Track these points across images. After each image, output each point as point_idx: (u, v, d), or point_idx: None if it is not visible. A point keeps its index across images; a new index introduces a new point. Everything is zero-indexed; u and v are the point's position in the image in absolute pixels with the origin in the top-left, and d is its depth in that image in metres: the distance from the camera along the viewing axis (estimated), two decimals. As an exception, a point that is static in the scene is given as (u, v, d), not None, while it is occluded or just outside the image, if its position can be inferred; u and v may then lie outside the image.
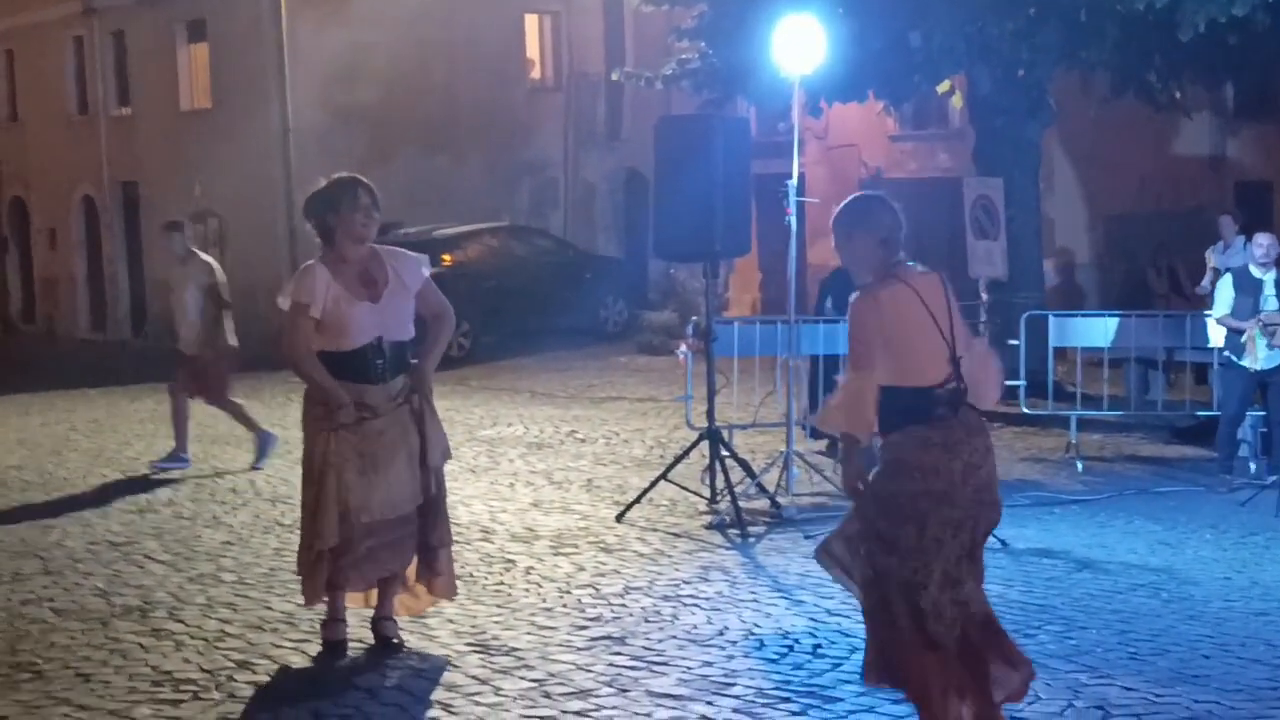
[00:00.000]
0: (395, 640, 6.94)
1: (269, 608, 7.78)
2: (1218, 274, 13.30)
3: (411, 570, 7.00)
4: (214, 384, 12.59)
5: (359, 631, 7.01)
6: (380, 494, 6.68)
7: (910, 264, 5.53)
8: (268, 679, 6.56)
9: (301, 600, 7.56)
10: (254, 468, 12.46)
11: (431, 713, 6.05)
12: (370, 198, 6.74)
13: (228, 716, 6.05)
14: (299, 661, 6.82)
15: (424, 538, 6.90)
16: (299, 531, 6.97)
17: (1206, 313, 12.30)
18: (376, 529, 6.70)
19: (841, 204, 5.65)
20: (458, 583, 7.87)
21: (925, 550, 5.31)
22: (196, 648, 7.06)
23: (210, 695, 6.31)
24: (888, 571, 5.36)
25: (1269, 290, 11.31)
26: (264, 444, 12.64)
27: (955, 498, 5.31)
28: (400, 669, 6.66)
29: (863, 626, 7.10)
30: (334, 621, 6.93)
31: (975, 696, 5.34)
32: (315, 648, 6.98)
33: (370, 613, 7.06)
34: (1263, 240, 11.39)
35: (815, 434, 12.98)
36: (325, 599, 6.92)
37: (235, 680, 6.52)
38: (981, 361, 5.57)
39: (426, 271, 6.95)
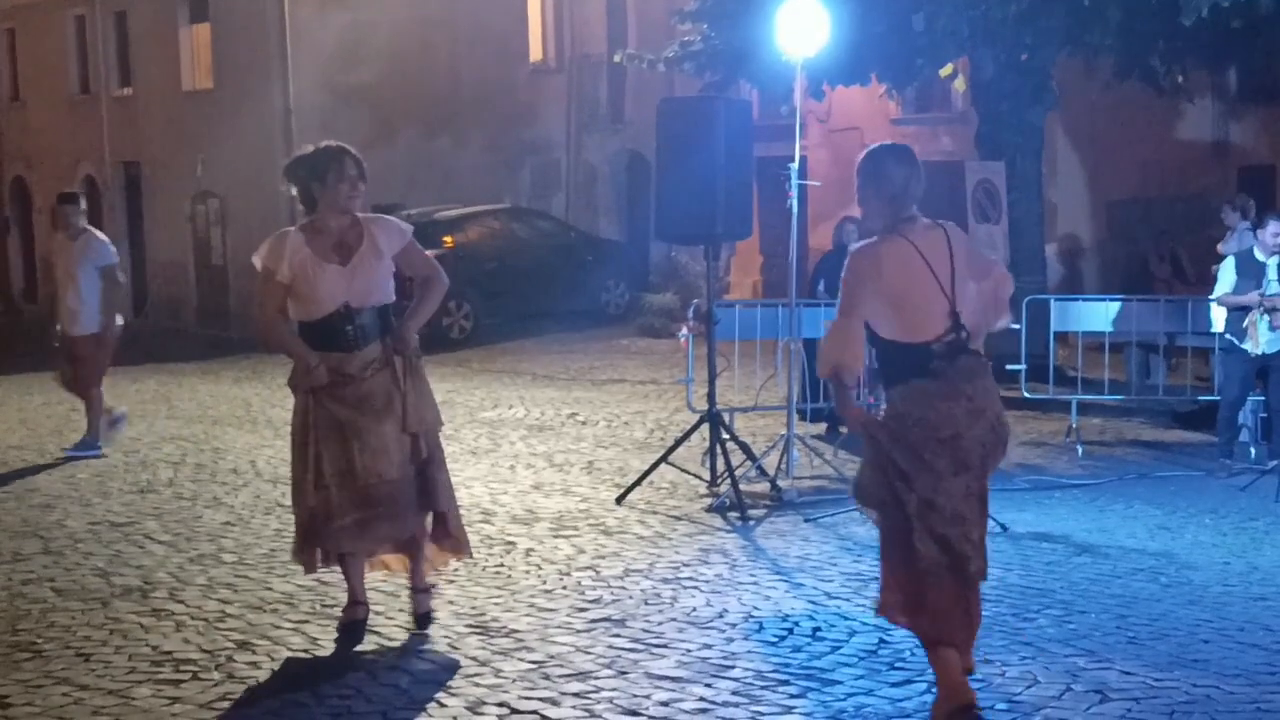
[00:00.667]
0: (427, 614, 6.95)
1: (269, 588, 7.79)
2: None
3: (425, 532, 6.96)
4: (90, 370, 12.23)
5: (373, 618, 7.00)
6: (363, 461, 6.57)
7: (918, 219, 5.67)
8: (268, 659, 6.56)
9: (302, 580, 7.59)
10: (64, 450, 12.38)
11: (431, 694, 6.05)
12: (357, 169, 6.67)
13: (227, 697, 6.05)
14: (299, 642, 6.82)
15: (428, 503, 6.83)
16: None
17: (1210, 297, 12.29)
18: (365, 498, 6.61)
19: (865, 151, 5.85)
20: (457, 563, 7.91)
21: (935, 485, 5.50)
22: (197, 628, 7.07)
23: (210, 675, 6.32)
24: (904, 498, 5.53)
25: (1272, 274, 11.30)
26: (88, 444, 12.36)
27: (962, 440, 5.50)
28: (400, 650, 6.66)
29: (861, 610, 7.14)
30: (352, 604, 6.90)
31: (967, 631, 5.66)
32: (316, 628, 6.99)
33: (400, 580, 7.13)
34: (1276, 227, 11.35)
35: (815, 417, 13.01)
36: (338, 573, 6.91)
37: (235, 661, 6.53)
38: (999, 285, 5.85)
39: (408, 235, 6.86)
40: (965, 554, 5.56)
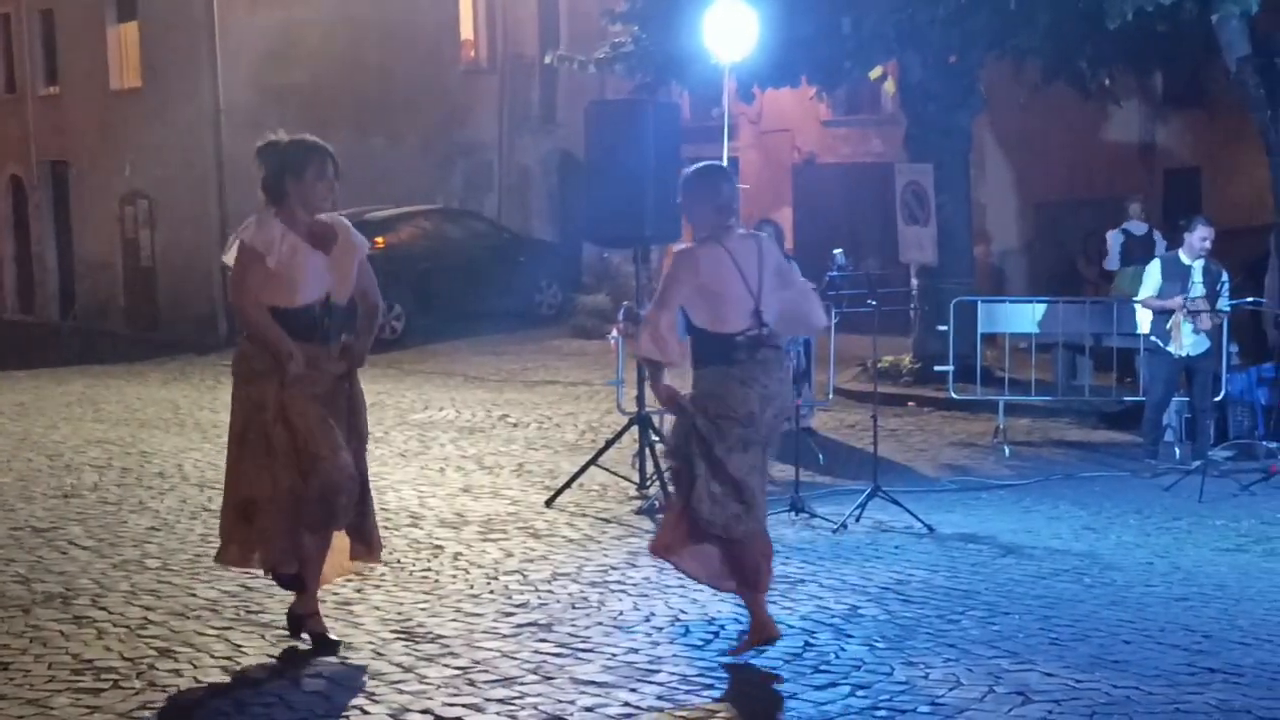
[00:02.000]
0: (332, 636, 6.81)
1: (193, 594, 7.70)
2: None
3: (341, 541, 6.79)
4: None
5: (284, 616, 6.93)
6: (336, 454, 6.40)
7: (735, 228, 6.51)
8: (190, 667, 6.48)
9: (226, 586, 7.50)
10: None
11: (354, 701, 6.01)
12: (335, 169, 6.60)
13: (148, 705, 5.98)
14: (221, 649, 6.74)
15: (363, 509, 6.67)
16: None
17: (1135, 300, 12.42)
18: (331, 491, 6.41)
19: (690, 169, 6.65)
20: (385, 569, 7.87)
21: (727, 454, 6.33)
22: (118, 635, 6.98)
23: (131, 684, 6.24)
24: (695, 462, 6.38)
25: (1196, 277, 11.44)
26: None
27: (754, 421, 6.35)
28: (324, 657, 6.60)
29: (787, 613, 7.18)
30: (313, 615, 6.74)
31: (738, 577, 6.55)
32: (239, 635, 6.92)
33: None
34: (1204, 232, 11.51)
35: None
36: (260, 579, 6.73)
37: (156, 669, 6.45)
38: (803, 296, 6.73)
39: (367, 247, 6.83)
40: (737, 514, 6.36)
